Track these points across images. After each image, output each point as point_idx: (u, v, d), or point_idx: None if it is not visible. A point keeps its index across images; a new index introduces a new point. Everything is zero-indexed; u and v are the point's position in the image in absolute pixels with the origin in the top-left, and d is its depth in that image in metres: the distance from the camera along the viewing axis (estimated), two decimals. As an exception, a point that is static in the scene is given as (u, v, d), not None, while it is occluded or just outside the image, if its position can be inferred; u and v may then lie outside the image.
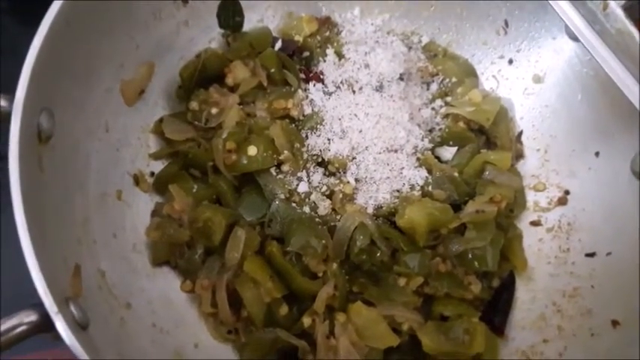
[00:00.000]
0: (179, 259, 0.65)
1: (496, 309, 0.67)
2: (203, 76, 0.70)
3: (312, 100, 0.70)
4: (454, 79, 0.76)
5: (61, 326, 0.42)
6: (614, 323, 0.61)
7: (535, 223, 0.73)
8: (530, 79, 0.77)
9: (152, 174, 0.69)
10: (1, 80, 0.78)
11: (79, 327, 0.46)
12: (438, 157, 0.72)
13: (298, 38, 0.76)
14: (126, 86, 0.65)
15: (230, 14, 0.71)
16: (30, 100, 0.48)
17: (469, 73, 0.78)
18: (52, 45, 0.51)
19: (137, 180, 0.67)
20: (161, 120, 0.70)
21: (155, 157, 0.70)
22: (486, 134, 0.75)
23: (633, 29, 0.61)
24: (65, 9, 0.52)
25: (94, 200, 0.60)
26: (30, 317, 0.43)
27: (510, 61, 0.78)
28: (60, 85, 0.54)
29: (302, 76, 0.73)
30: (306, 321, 0.62)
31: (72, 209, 0.56)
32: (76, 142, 0.58)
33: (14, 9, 0.90)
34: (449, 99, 0.75)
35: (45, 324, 0.43)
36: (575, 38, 0.69)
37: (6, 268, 0.71)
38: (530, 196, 0.75)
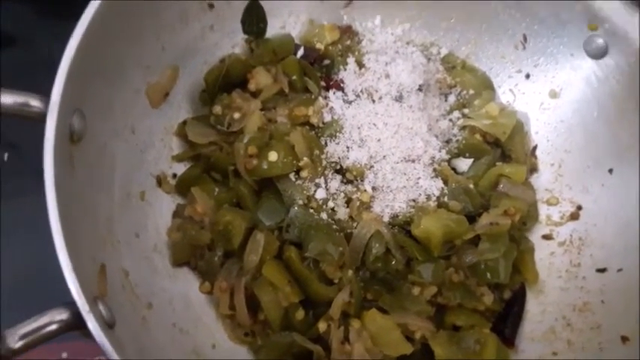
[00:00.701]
0: (199, 261, 0.66)
1: (507, 320, 0.68)
2: (226, 81, 0.71)
3: (332, 107, 0.71)
4: (472, 92, 0.77)
5: (92, 325, 0.43)
6: (624, 339, 0.62)
7: (547, 237, 0.74)
8: (546, 94, 0.77)
9: (174, 176, 0.71)
10: (16, 69, 0.80)
11: (107, 326, 0.47)
12: (454, 169, 0.73)
13: (320, 46, 0.76)
14: (152, 89, 0.66)
15: (254, 20, 0.72)
16: (64, 102, 0.49)
17: (486, 86, 0.79)
18: (86, 47, 0.52)
19: (160, 181, 0.68)
20: (184, 123, 0.71)
21: (178, 159, 0.71)
22: (502, 147, 0.76)
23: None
24: (100, 10, 0.53)
25: (119, 200, 0.61)
26: (61, 315, 0.44)
27: (527, 76, 0.79)
28: (91, 87, 0.55)
29: (322, 83, 0.74)
30: (322, 326, 0.63)
31: (98, 209, 0.57)
32: (103, 143, 0.59)
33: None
34: (466, 111, 0.76)
35: (75, 322, 0.44)
36: (593, 56, 0.71)
37: (6, 262, 0.72)
38: (543, 210, 0.75)
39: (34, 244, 0.64)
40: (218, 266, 0.65)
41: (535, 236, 0.74)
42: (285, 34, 0.76)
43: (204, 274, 0.67)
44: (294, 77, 0.72)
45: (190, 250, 0.66)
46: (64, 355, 0.70)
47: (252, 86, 0.71)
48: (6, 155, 0.81)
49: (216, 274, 0.65)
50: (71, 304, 0.44)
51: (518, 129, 0.76)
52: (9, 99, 0.49)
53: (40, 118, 0.49)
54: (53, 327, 0.44)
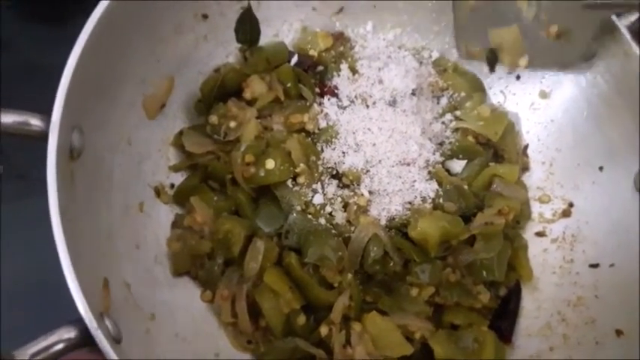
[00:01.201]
0: (199, 270, 0.67)
1: (503, 317, 0.70)
2: (222, 91, 0.71)
3: (326, 114, 0.72)
4: (463, 94, 0.78)
5: (101, 342, 0.44)
6: (618, 333, 0.64)
7: (540, 234, 0.76)
8: (536, 94, 0.79)
9: (172, 186, 0.71)
10: (5, 73, 0.79)
11: (115, 341, 0.47)
12: (448, 170, 0.74)
13: (313, 53, 0.77)
14: (148, 100, 0.66)
15: (247, 29, 0.72)
16: (65, 121, 0.49)
17: (477, 88, 0.80)
18: (84, 64, 0.52)
19: (158, 192, 0.69)
20: (181, 133, 0.71)
21: (175, 169, 0.71)
22: (494, 147, 0.77)
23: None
24: (97, 28, 0.53)
25: (118, 213, 0.61)
26: (69, 334, 0.44)
27: (518, 77, 0.80)
28: (89, 102, 0.55)
29: (317, 90, 0.75)
30: (324, 330, 0.63)
31: (98, 222, 0.57)
32: (101, 157, 0.59)
33: (15, 4, 0.91)
34: (458, 113, 0.77)
35: (84, 340, 0.44)
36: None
37: (6, 266, 0.72)
38: (536, 208, 0.77)
39: (32, 247, 0.64)
40: (219, 275, 0.66)
41: (528, 234, 0.76)
42: (278, 42, 0.77)
43: (205, 283, 0.67)
44: (289, 85, 0.73)
45: (190, 260, 0.67)
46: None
47: (247, 95, 0.72)
48: (1, 168, 0.81)
49: (217, 283, 0.66)
50: (78, 322, 0.44)
51: (510, 129, 0.77)
52: (9, 118, 0.48)
53: (41, 137, 0.49)
54: (61, 345, 0.44)
